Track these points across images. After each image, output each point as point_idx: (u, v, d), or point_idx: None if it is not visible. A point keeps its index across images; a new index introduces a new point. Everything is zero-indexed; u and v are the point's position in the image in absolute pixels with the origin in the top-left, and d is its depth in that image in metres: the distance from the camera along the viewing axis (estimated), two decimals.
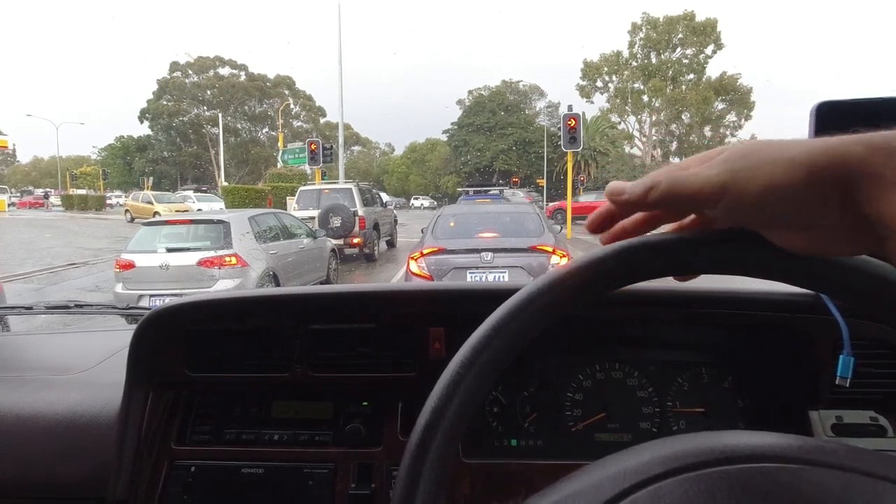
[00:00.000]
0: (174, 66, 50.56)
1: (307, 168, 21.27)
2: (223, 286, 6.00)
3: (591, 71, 42.57)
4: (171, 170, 52.15)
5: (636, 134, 43.70)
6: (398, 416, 0.91)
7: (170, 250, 6.32)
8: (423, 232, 6.15)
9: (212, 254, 6.17)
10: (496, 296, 0.73)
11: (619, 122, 43.40)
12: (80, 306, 1.48)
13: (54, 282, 9.52)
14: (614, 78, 42.26)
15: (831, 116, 0.67)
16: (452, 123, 50.92)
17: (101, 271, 10.11)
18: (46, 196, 45.25)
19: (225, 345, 0.94)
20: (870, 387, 0.83)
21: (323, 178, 18.08)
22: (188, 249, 6.39)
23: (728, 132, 41.67)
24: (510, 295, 0.35)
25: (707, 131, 41.48)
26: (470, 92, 52.25)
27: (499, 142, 46.27)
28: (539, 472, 0.86)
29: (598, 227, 0.38)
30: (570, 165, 14.56)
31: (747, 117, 40.99)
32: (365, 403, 0.93)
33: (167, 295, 5.81)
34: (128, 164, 54.41)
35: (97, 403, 0.94)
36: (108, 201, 38.80)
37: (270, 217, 7.58)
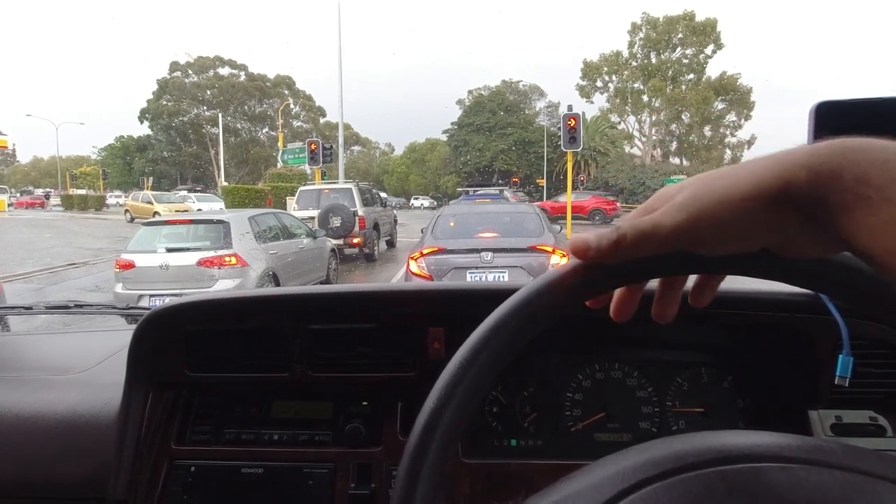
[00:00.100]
0: (174, 66, 50.56)
1: (307, 168, 21.25)
2: (223, 286, 6.00)
3: (590, 71, 42.61)
4: (170, 170, 52.11)
5: (636, 134, 43.83)
6: (398, 416, 0.91)
7: (170, 250, 6.32)
8: (422, 232, 6.15)
9: (212, 254, 6.17)
10: (496, 296, 0.73)
11: (619, 122, 43.46)
12: (80, 306, 1.48)
13: (54, 282, 9.51)
14: (614, 78, 42.34)
15: (831, 116, 0.66)
16: (452, 123, 50.81)
17: (101, 271, 10.10)
18: (47, 196, 45.03)
19: (225, 345, 0.94)
20: (869, 387, 0.83)
21: (323, 178, 18.04)
22: (188, 249, 6.39)
23: (728, 132, 41.80)
24: (510, 295, 0.35)
25: (707, 131, 41.59)
26: (470, 92, 52.23)
27: (499, 142, 46.18)
28: (539, 472, 0.86)
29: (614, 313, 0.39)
30: (569, 165, 14.53)
31: (747, 117, 41.11)
32: (365, 403, 0.93)
33: (167, 295, 5.81)
34: (128, 164, 54.34)
35: (97, 403, 0.94)
36: (108, 201, 38.64)
37: (270, 217, 7.58)
